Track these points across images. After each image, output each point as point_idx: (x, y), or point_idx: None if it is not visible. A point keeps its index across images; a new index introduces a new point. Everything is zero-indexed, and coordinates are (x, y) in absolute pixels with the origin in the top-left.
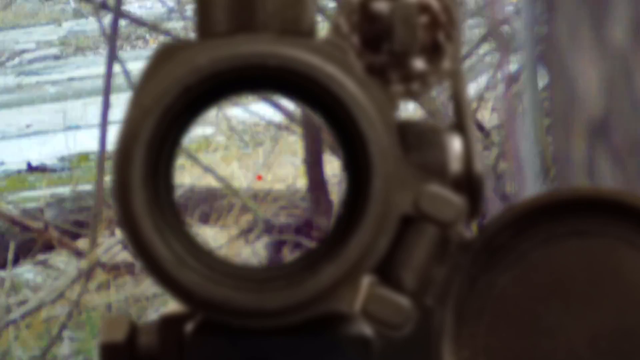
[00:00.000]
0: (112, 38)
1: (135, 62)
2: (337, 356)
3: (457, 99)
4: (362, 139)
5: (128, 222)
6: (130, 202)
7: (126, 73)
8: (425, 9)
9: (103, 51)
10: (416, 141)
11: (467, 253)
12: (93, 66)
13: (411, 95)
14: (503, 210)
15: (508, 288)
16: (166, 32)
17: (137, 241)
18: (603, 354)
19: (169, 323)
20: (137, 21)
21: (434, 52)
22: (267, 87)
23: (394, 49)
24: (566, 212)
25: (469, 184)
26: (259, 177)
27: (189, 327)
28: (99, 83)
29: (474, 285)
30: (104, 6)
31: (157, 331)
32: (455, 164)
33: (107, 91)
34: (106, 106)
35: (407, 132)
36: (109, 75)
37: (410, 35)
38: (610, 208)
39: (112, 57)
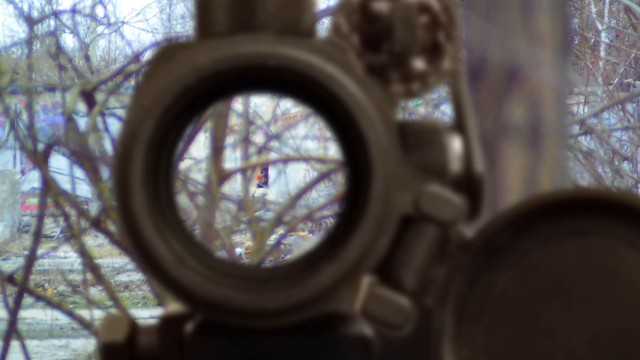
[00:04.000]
0: (14, 312)
1: None
2: (337, 356)
3: (457, 98)
4: (362, 139)
5: (128, 222)
6: (130, 202)
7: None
8: (425, 9)
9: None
10: (416, 141)
11: (467, 253)
12: None
13: (411, 95)
14: (503, 210)
15: (508, 288)
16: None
17: (137, 241)
18: (603, 354)
19: (169, 323)
20: (44, 299)
21: (434, 52)
22: (267, 87)
23: (394, 49)
24: (566, 212)
25: (469, 184)
26: (259, 177)
27: (189, 327)
28: None
29: (474, 285)
30: (10, 280)
31: (157, 331)
32: (455, 164)
33: None
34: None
35: (407, 132)
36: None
37: (410, 35)
38: (610, 208)
39: (12, 332)
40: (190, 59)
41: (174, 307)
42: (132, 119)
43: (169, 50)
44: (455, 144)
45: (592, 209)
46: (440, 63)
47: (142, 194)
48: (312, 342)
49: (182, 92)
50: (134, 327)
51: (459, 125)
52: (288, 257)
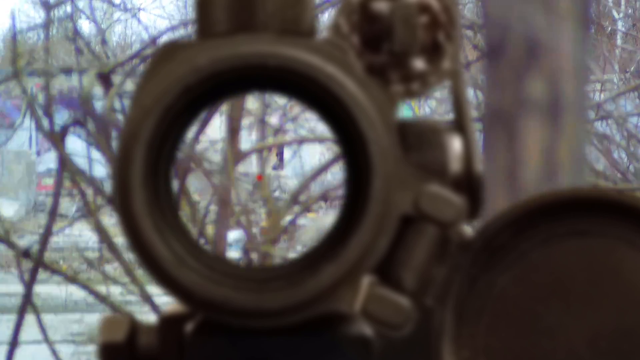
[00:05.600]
0: (29, 285)
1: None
2: (337, 356)
3: (457, 98)
4: (362, 139)
5: (128, 222)
6: (130, 202)
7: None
8: (425, 9)
9: (14, 270)
10: (416, 141)
11: (467, 253)
12: (2, 284)
13: (411, 95)
14: (503, 210)
15: (508, 288)
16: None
17: (137, 241)
18: (603, 354)
19: (169, 323)
20: (59, 273)
21: (434, 52)
22: (267, 87)
23: (394, 49)
24: (566, 212)
25: (469, 184)
26: (259, 177)
27: (189, 327)
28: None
29: (474, 285)
30: (25, 254)
31: (157, 331)
32: (455, 164)
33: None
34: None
35: (407, 132)
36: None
37: (410, 35)
38: (610, 208)
39: (26, 305)
40: (190, 59)
41: (174, 307)
42: (132, 118)
43: (169, 50)
44: (455, 144)
45: (592, 209)
46: (440, 63)
47: (142, 194)
48: (312, 342)
49: (182, 92)
50: (134, 327)
51: (459, 125)
52: (291, 255)
